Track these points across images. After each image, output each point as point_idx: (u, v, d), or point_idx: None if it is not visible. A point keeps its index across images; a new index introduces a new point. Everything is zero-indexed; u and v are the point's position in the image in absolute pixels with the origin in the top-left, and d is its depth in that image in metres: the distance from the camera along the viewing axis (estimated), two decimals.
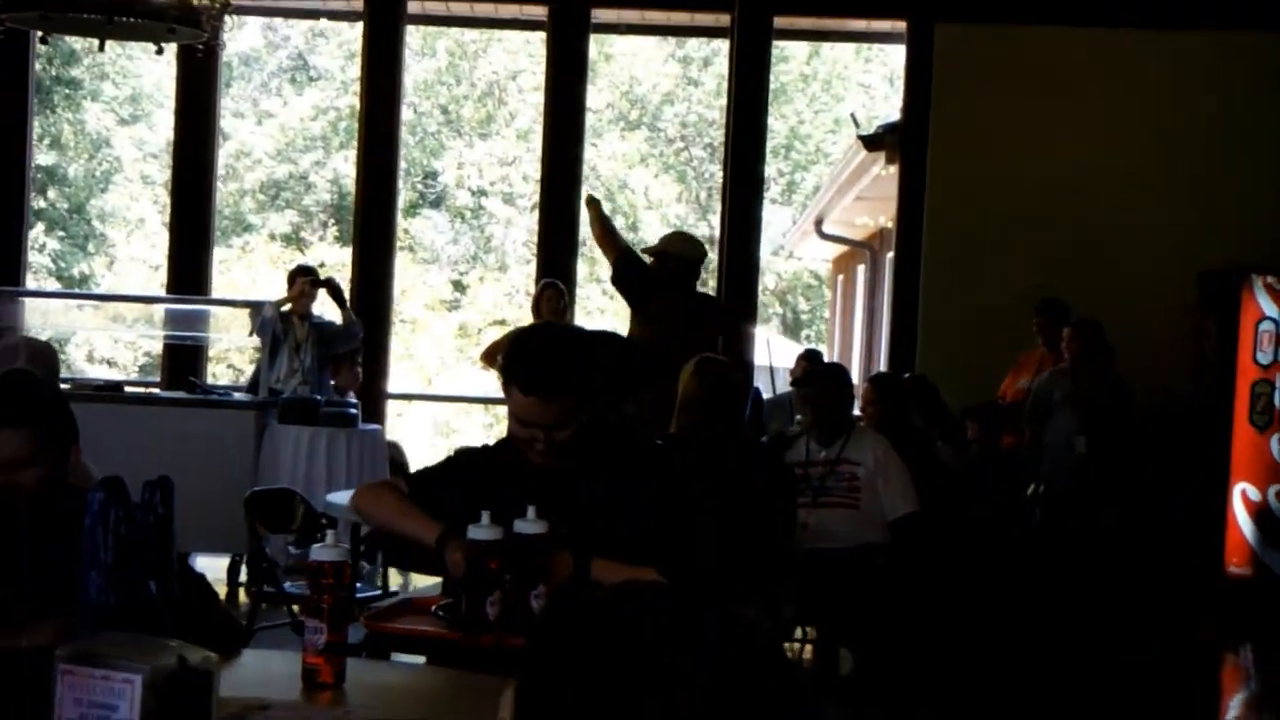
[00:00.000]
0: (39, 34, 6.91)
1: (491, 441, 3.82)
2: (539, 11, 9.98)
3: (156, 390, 9.50)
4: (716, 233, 20.93)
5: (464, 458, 3.74)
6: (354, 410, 8.25)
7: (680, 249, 7.46)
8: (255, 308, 8.81)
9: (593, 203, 7.86)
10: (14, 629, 2.41)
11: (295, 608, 5.29)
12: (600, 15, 9.92)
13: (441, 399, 17.34)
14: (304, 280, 8.68)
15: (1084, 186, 8.97)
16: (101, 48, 6.67)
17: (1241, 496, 8.29)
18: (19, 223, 9.94)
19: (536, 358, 3.39)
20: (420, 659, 3.50)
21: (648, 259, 7.43)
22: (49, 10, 6.13)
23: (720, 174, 21.08)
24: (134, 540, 2.59)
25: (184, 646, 2.41)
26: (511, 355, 3.44)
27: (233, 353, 16.95)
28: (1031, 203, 8.97)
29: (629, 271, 7.38)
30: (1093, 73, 9.07)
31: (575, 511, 3.34)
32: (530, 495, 3.26)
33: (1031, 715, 6.02)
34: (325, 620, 2.82)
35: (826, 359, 11.94)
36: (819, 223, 14.31)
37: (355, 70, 20.09)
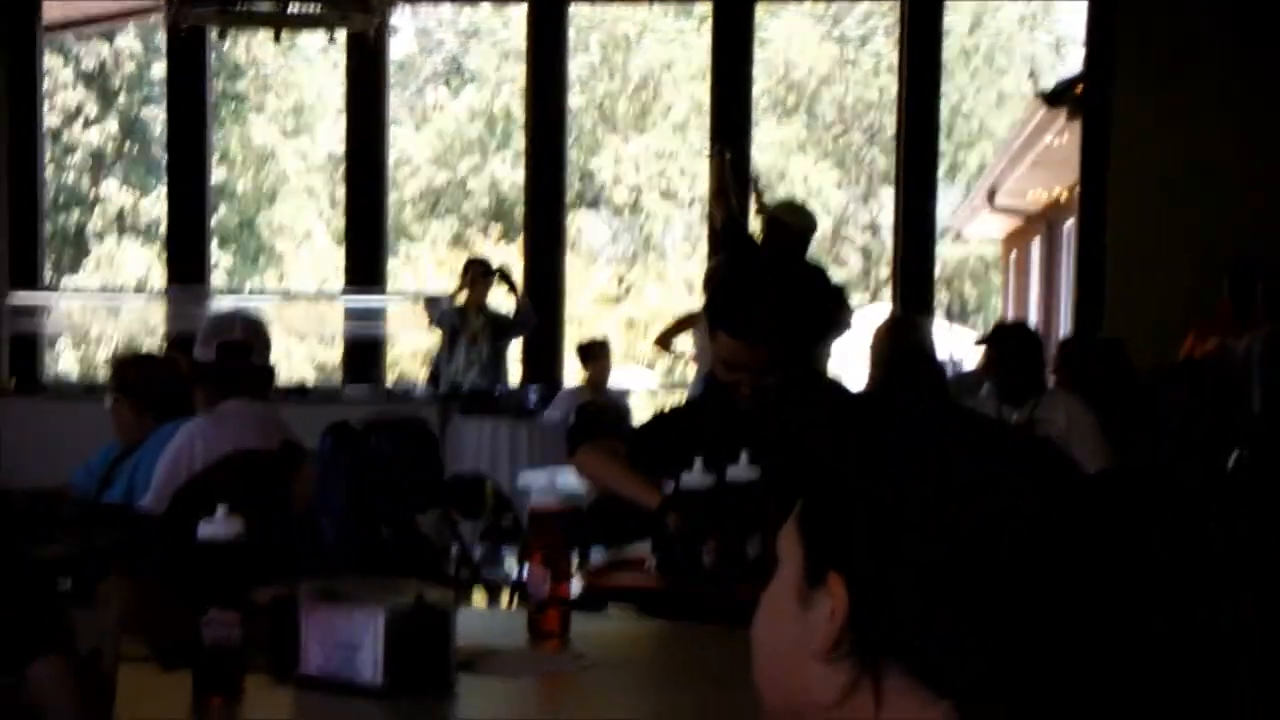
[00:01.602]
0: (215, 31, 7.04)
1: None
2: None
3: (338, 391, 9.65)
4: (880, 220, 20.77)
5: (676, 411, 3.74)
6: (532, 399, 8.36)
7: (790, 218, 7.00)
8: (432, 301, 8.96)
9: (717, 154, 7.34)
10: (251, 580, 2.43)
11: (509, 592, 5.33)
12: None
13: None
14: (476, 270, 8.82)
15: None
16: (277, 38, 6.77)
17: None
18: (202, 237, 10.17)
19: (742, 300, 3.38)
20: (632, 612, 3.49)
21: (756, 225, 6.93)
22: (226, 3, 6.25)
23: (881, 158, 20.91)
24: (364, 486, 2.62)
25: (421, 585, 2.43)
26: (717, 298, 3.44)
27: (404, 358, 17.19)
28: (1232, 152, 8.63)
29: (729, 240, 6.94)
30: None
31: (784, 455, 3.30)
32: (742, 441, 3.24)
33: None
34: (548, 566, 2.82)
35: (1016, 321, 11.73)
36: (990, 195, 14.04)
37: (509, 70, 20.32)
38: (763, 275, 3.59)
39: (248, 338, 3.75)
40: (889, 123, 14.06)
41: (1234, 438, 7.27)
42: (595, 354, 8.94)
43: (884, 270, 19.83)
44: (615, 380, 9.52)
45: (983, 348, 5.96)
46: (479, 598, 6.02)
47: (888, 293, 12.39)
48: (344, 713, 2.36)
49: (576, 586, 3.21)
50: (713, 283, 7.64)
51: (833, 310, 4.53)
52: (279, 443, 3.49)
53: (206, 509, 2.32)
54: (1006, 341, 5.72)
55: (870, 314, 17.58)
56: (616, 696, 2.56)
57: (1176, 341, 8.20)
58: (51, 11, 10.56)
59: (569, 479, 4.20)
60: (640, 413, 9.00)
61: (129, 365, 4.11)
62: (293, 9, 6.15)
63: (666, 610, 3.21)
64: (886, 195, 17.57)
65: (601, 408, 8.11)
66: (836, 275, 21.87)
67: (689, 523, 3.11)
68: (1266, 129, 8.72)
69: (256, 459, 3.26)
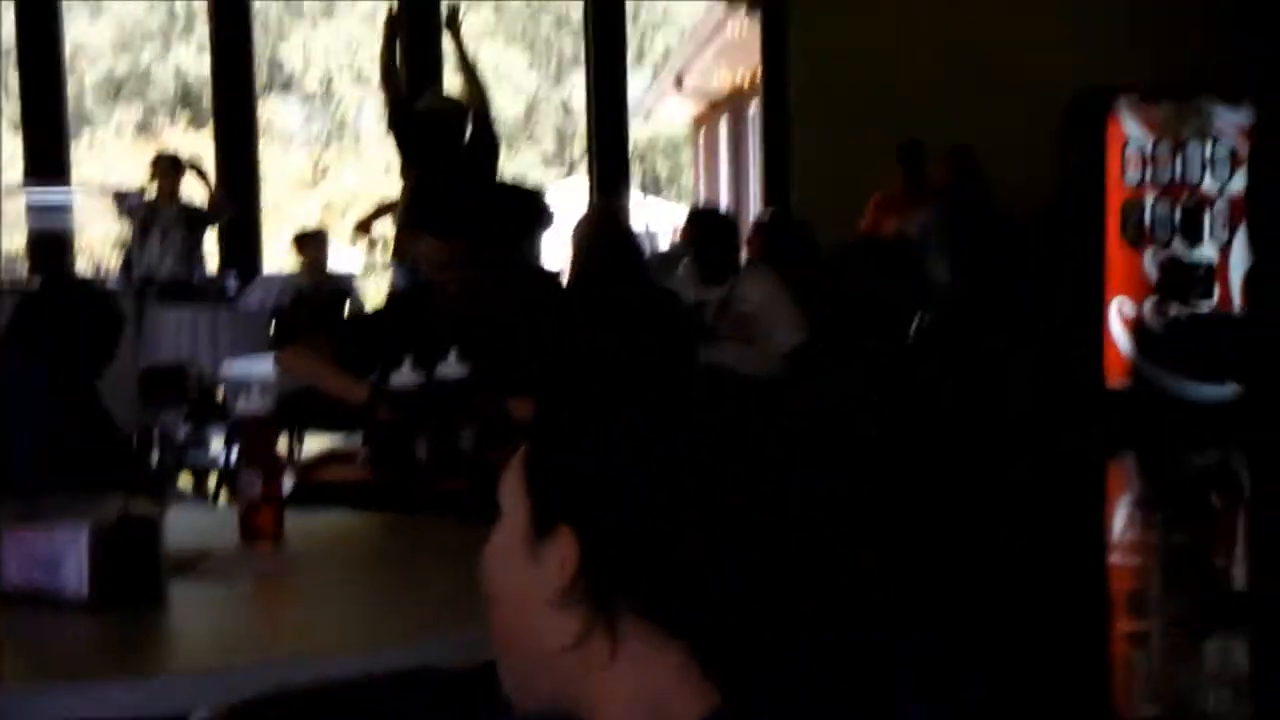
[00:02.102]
0: None
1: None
2: None
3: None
4: (571, 101, 20.86)
5: (380, 309, 3.74)
6: (231, 287, 8.25)
7: (440, 104, 6.44)
8: (120, 195, 8.72)
9: (387, 23, 6.89)
10: None
11: (217, 476, 5.27)
12: None
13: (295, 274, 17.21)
14: (165, 163, 8.60)
15: (951, 21, 9.00)
16: None
17: (1118, 312, 8.55)
18: None
19: (441, 200, 3.40)
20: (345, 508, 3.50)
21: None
22: None
23: (570, 42, 21.00)
24: (60, 402, 2.55)
25: (128, 498, 2.39)
26: (417, 199, 3.45)
27: (94, 244, 16.53)
28: (897, 38, 9.00)
29: (395, 126, 6.38)
30: None
31: (493, 353, 3.35)
32: (448, 338, 3.27)
33: (924, 538, 6.19)
34: (259, 469, 2.80)
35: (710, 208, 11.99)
36: (678, 80, 14.25)
37: None
38: (458, 179, 3.62)
39: None
40: (576, 9, 14.13)
41: (915, 306, 7.65)
42: (311, 242, 8.87)
43: (579, 148, 19.96)
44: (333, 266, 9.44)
45: (681, 230, 6.11)
46: (185, 481, 5.94)
47: (583, 169, 12.54)
48: (49, 624, 2.31)
49: (288, 483, 3.20)
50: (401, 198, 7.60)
51: (529, 203, 4.57)
52: None
53: None
54: (703, 225, 5.88)
55: (567, 190, 17.75)
56: (331, 596, 2.57)
57: (858, 217, 8.56)
58: None
59: (268, 367, 4.15)
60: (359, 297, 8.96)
61: None
62: None
63: (379, 503, 3.23)
64: (578, 78, 17.68)
65: (317, 294, 8.05)
66: (532, 153, 21.98)
67: (401, 418, 3.13)
68: (934, 10, 9.08)
69: None
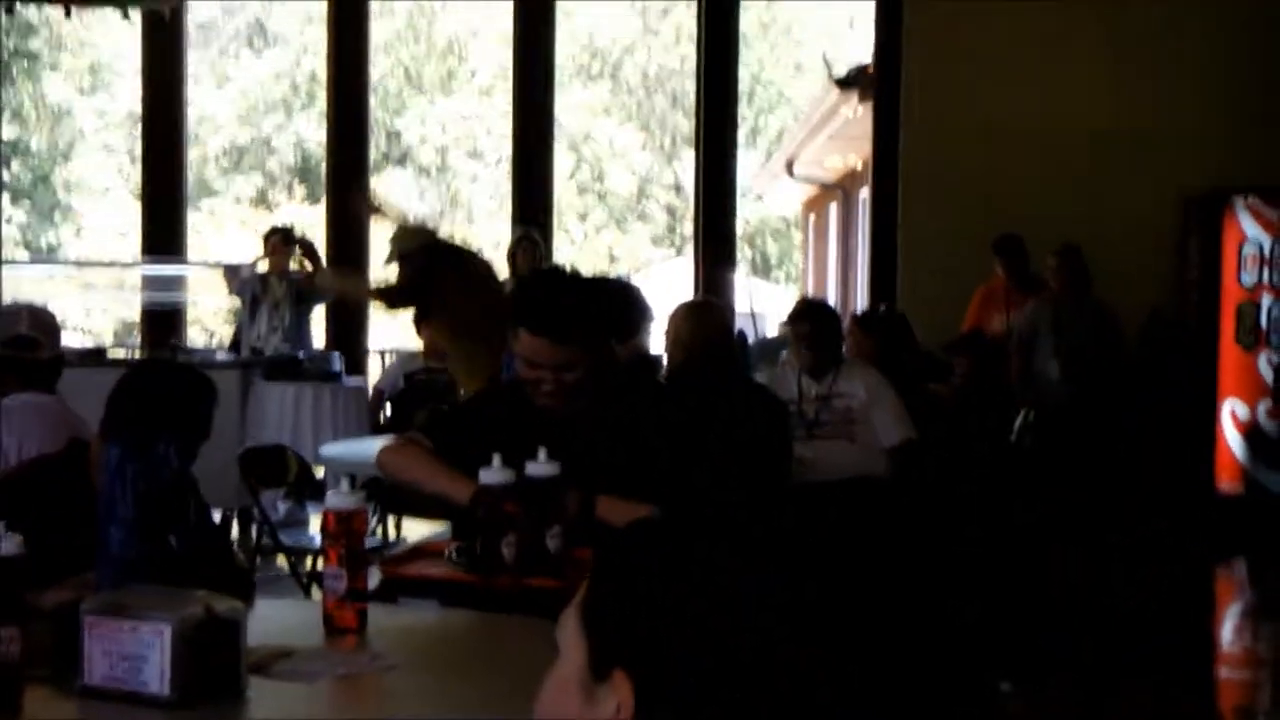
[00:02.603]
0: (4, 4, 6.79)
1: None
2: None
3: (138, 355, 9.45)
4: (684, 179, 20.99)
5: (476, 404, 3.74)
6: (336, 365, 8.31)
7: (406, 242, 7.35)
8: (232, 269, 8.84)
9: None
10: (36, 590, 2.39)
11: (312, 559, 5.31)
12: None
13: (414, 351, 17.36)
14: (277, 239, 8.72)
15: (1065, 115, 8.94)
16: (67, 14, 6.58)
17: (1231, 415, 8.37)
18: None
19: (544, 299, 3.40)
20: (431, 603, 3.50)
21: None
22: None
23: (683, 122, 21.18)
24: (152, 494, 2.58)
25: (210, 596, 2.40)
26: (520, 297, 3.45)
27: (206, 315, 16.88)
28: (1010, 133, 8.94)
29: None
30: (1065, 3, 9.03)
31: (582, 452, 3.34)
32: (539, 437, 3.26)
33: (1029, 636, 6.07)
34: (345, 566, 2.82)
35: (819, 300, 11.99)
36: (789, 165, 14.29)
37: (313, 33, 19.98)
38: (564, 276, 3.61)
39: (34, 332, 3.65)
40: (690, 89, 14.25)
41: (1019, 405, 7.56)
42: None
43: (688, 227, 20.07)
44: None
45: (786, 319, 6.09)
46: (281, 561, 5.98)
47: (690, 250, 12.59)
48: None
49: (374, 576, 3.21)
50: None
51: (630, 302, 4.57)
52: (65, 439, 3.41)
53: None
54: (808, 318, 5.86)
55: (674, 269, 17.80)
56: (412, 696, 2.57)
57: (964, 308, 8.48)
58: None
59: (371, 447, 4.18)
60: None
61: None
62: None
63: (465, 600, 3.22)
64: (689, 157, 17.74)
65: (432, 378, 8.07)
66: (642, 231, 22.08)
67: (489, 516, 3.12)
68: (1057, 99, 9.02)
69: (42, 467, 3.19)
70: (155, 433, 2.64)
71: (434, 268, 6.95)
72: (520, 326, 3.40)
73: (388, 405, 8.44)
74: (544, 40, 9.71)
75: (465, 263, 7.13)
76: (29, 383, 3.56)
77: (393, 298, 7.48)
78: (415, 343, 8.62)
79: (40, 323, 3.69)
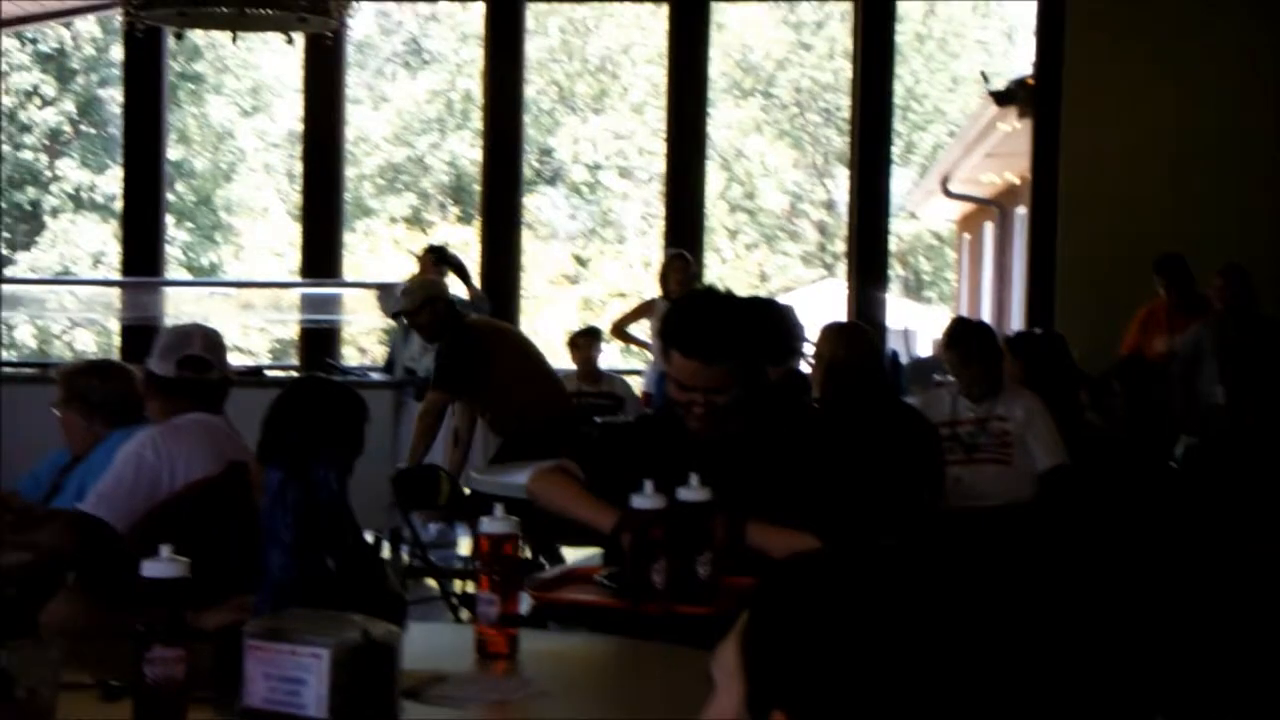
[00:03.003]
0: (173, 31, 6.99)
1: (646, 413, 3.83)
2: None
3: (295, 374, 9.63)
4: (836, 197, 20.88)
5: (627, 429, 3.75)
6: None
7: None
8: (386, 289, 8.94)
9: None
10: (197, 611, 2.44)
11: (459, 583, 5.35)
12: None
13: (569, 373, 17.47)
14: (430, 258, 8.82)
15: (1225, 133, 8.71)
16: (234, 40, 6.74)
17: None
18: (157, 215, 10.16)
19: (698, 321, 3.40)
20: (580, 629, 3.51)
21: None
22: (185, 6, 6.20)
23: (837, 138, 21.05)
24: (312, 517, 2.62)
25: (367, 621, 2.43)
26: (672, 318, 3.45)
27: (361, 335, 17.18)
28: (1174, 150, 8.73)
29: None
30: (1232, 18, 8.80)
31: (734, 477, 3.32)
32: (691, 462, 3.25)
33: (1192, 672, 5.89)
34: (497, 592, 2.83)
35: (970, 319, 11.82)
36: (944, 182, 14.12)
37: (469, 53, 20.27)
38: (718, 298, 3.60)
39: (206, 353, 3.74)
40: (844, 105, 14.13)
41: (1180, 430, 7.36)
42: (583, 341, 8.78)
43: (839, 245, 19.92)
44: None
45: (941, 341, 6.00)
46: (430, 582, 6.04)
47: (842, 268, 12.49)
48: None
49: (525, 602, 3.22)
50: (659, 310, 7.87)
51: (786, 332, 4.54)
52: (227, 461, 3.48)
53: (152, 548, 2.31)
54: (968, 342, 5.77)
55: (825, 288, 17.70)
56: None
57: (1124, 328, 8.28)
58: (11, 6, 10.51)
59: (520, 471, 4.21)
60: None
61: (79, 374, 4.09)
62: (250, 12, 6.08)
63: (615, 626, 3.23)
64: (842, 174, 17.60)
65: (583, 401, 8.10)
66: (792, 249, 22.00)
67: (639, 542, 3.12)
68: (1218, 117, 8.80)
69: (204, 490, 3.26)
70: (314, 455, 2.68)
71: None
72: (672, 348, 3.40)
73: None
74: (697, 56, 9.72)
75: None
76: (198, 403, 3.65)
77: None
78: (566, 364, 8.68)
79: (211, 344, 3.78)
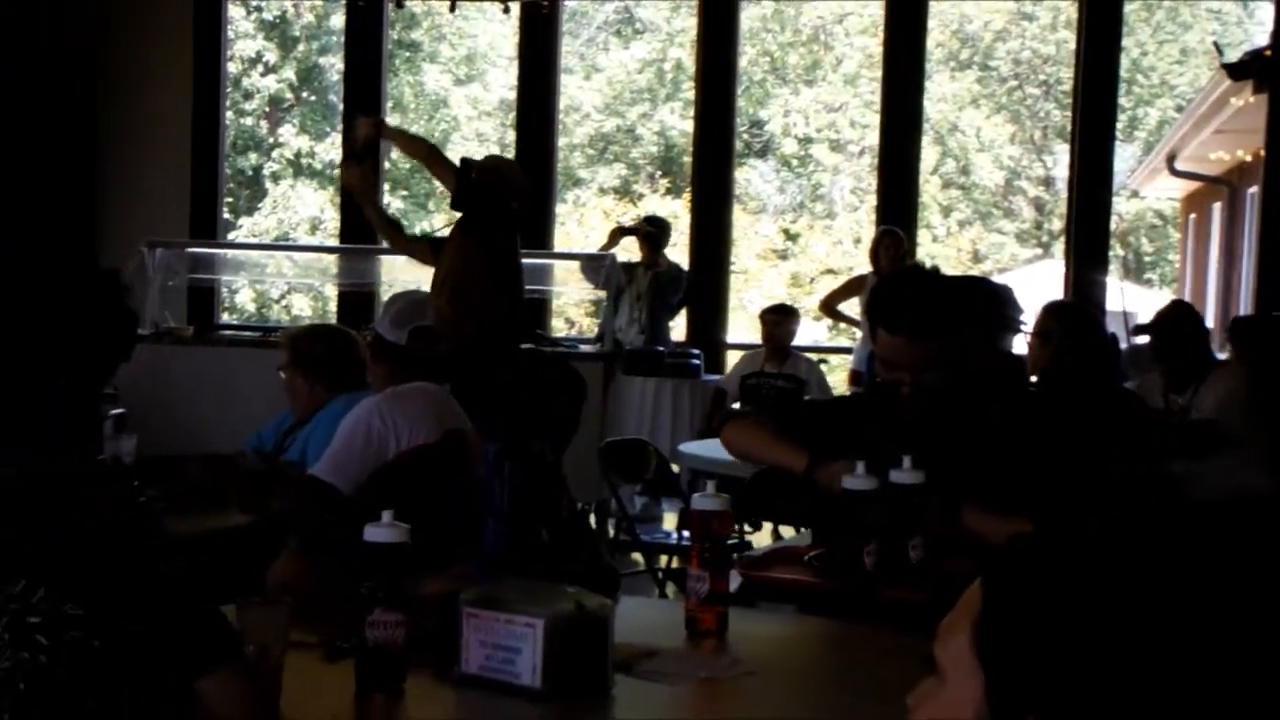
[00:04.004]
0: (394, 0, 7.13)
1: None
2: None
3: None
4: (1055, 173, 20.36)
5: (834, 403, 3.72)
6: (696, 361, 8.35)
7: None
8: (594, 260, 8.99)
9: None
10: (416, 577, 2.48)
11: (667, 555, 5.35)
12: None
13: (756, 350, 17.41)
14: (617, 231, 8.91)
15: None
16: (452, 9, 6.85)
17: None
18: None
19: (904, 297, 3.34)
20: (788, 608, 3.49)
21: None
22: None
23: (1057, 113, 20.52)
24: (527, 489, 2.65)
25: (581, 592, 2.46)
26: (878, 295, 3.41)
27: (569, 307, 17.35)
28: None
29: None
30: None
31: (947, 458, 3.26)
32: (903, 443, 3.20)
33: None
34: (707, 569, 2.83)
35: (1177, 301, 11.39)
36: (1171, 159, 13.66)
37: (680, 22, 20.26)
38: (925, 275, 3.53)
39: (440, 325, 3.82)
40: (1066, 77, 13.73)
41: None
42: (772, 318, 8.46)
43: (1056, 224, 19.43)
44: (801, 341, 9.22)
45: (1148, 325, 5.79)
46: (636, 556, 6.07)
47: (1059, 247, 12.17)
48: (504, 712, 2.40)
49: (734, 580, 3.22)
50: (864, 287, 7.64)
51: (1002, 311, 4.42)
52: (446, 431, 3.54)
53: (375, 513, 2.36)
54: (1168, 331, 5.56)
55: (1042, 268, 17.28)
56: (771, 702, 2.56)
57: None
58: None
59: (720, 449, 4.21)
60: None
61: (304, 338, 4.20)
62: None
63: (824, 608, 3.20)
64: (1061, 150, 17.13)
65: (763, 383, 7.97)
66: (1007, 227, 21.53)
67: (850, 523, 3.09)
68: None
69: (422, 458, 3.32)
70: (531, 429, 2.72)
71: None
72: (879, 325, 3.36)
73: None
74: (915, 27, 9.55)
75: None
76: (424, 373, 3.72)
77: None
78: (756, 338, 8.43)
79: (442, 315, 3.87)
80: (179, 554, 1.79)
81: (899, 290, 3.42)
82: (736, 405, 8.08)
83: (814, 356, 8.81)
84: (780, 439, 3.47)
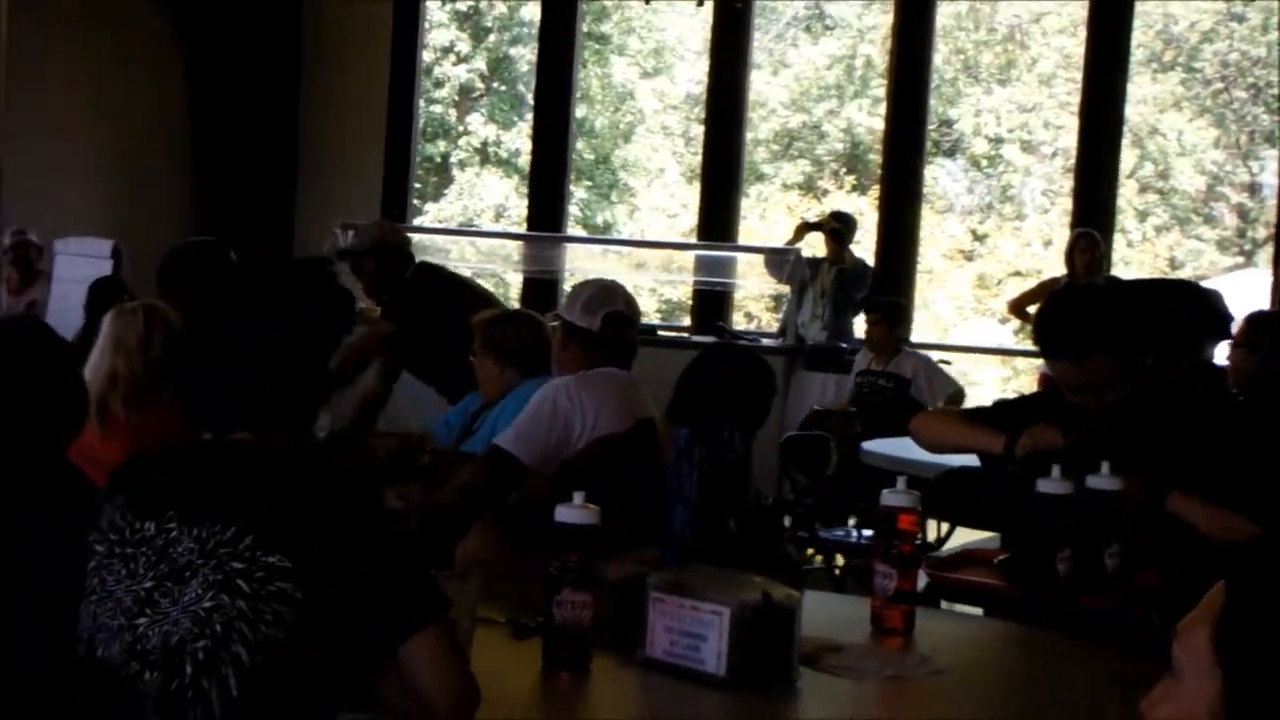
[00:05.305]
0: None
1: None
2: None
3: (688, 334, 9.76)
4: (1261, 179, 19.67)
5: (1023, 402, 3.67)
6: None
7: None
8: (781, 255, 8.97)
9: None
10: (602, 560, 2.49)
11: (845, 553, 5.30)
12: None
13: (961, 349, 17.16)
14: (802, 227, 8.86)
15: None
16: (647, 1, 6.86)
17: None
18: (562, 173, 10.49)
19: (1058, 321, 3.32)
20: (975, 611, 3.43)
21: None
22: None
23: (1265, 117, 19.80)
24: (716, 478, 2.64)
25: (768, 583, 2.44)
26: (1037, 321, 3.39)
27: (749, 300, 17.32)
28: None
29: None
30: None
31: (1146, 463, 3.17)
32: (1100, 449, 3.12)
33: None
34: (895, 566, 2.79)
35: None
36: None
37: (872, 18, 20.05)
38: (1084, 293, 3.49)
39: (630, 312, 3.85)
40: (1275, 81, 13.28)
41: None
42: (869, 318, 8.13)
43: (1261, 231, 18.80)
44: (962, 338, 9.12)
45: None
46: (815, 555, 6.03)
47: (1263, 256, 11.77)
48: (687, 698, 2.39)
49: (922, 580, 3.17)
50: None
51: (1199, 315, 4.26)
52: (634, 418, 3.56)
53: (565, 494, 2.38)
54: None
55: (1242, 277, 16.71)
56: (957, 703, 2.51)
57: None
58: None
59: (908, 449, 4.15)
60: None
61: (494, 323, 4.25)
62: None
63: (1014, 612, 3.14)
64: (1269, 155, 16.54)
65: (866, 381, 7.76)
66: (1208, 234, 20.89)
67: (1044, 528, 3.02)
68: None
69: (612, 444, 3.33)
70: (722, 417, 2.71)
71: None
72: (1045, 354, 3.34)
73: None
74: (1118, 28, 9.29)
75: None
76: (612, 358, 3.75)
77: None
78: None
79: (631, 303, 3.90)
80: (385, 521, 1.81)
81: (1052, 314, 3.41)
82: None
83: (960, 358, 8.51)
84: (973, 424, 3.45)
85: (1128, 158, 19.17)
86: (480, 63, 21.12)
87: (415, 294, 5.55)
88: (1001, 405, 3.77)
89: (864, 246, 9.45)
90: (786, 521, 7.40)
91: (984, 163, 20.87)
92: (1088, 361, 3.28)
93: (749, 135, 20.69)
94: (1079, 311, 3.36)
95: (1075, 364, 3.30)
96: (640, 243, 15.98)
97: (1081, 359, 3.29)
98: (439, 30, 20.24)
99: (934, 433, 3.62)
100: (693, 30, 19.63)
